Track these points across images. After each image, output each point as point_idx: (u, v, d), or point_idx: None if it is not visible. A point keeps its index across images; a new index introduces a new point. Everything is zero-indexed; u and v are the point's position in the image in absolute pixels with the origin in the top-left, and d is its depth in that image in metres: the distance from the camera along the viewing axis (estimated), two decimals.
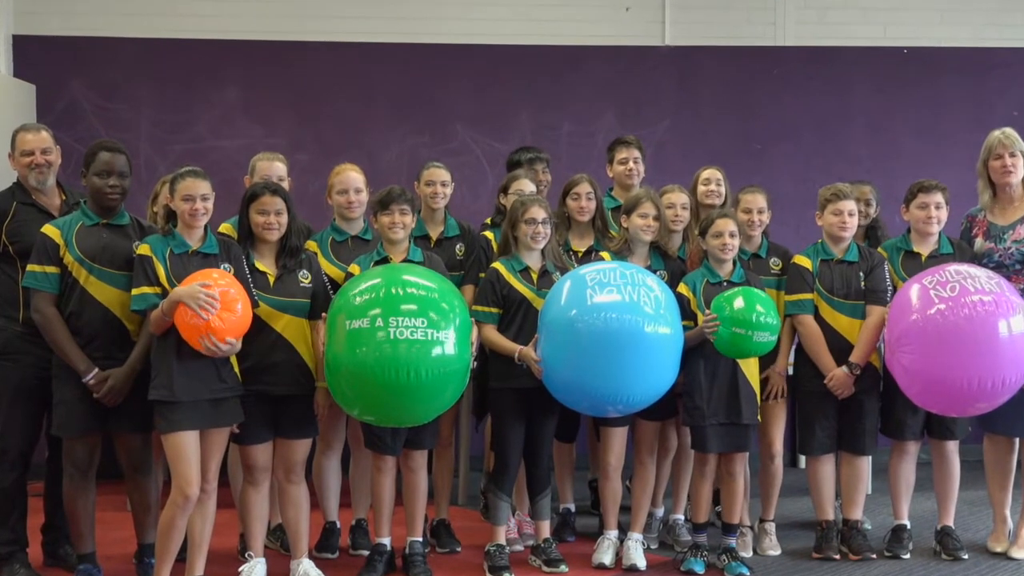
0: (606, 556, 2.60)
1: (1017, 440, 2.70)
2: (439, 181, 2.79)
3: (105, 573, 2.44)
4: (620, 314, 2.30)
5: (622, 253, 2.65)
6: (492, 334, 2.53)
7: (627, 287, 2.35)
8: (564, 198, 2.75)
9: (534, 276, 2.54)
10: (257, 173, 2.76)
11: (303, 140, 3.79)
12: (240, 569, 2.38)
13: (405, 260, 2.49)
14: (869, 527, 2.86)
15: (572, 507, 2.88)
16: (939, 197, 2.67)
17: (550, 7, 3.89)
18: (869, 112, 3.95)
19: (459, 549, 2.73)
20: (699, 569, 2.55)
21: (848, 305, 2.62)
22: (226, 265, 2.30)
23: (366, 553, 2.58)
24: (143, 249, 2.27)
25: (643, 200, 2.64)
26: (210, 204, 2.30)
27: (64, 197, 2.54)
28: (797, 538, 2.83)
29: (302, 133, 3.81)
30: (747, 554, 2.68)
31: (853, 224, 2.67)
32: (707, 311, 2.47)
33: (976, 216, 2.78)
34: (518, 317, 2.51)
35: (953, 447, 2.72)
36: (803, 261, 2.68)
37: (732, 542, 2.60)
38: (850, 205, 2.65)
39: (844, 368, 2.59)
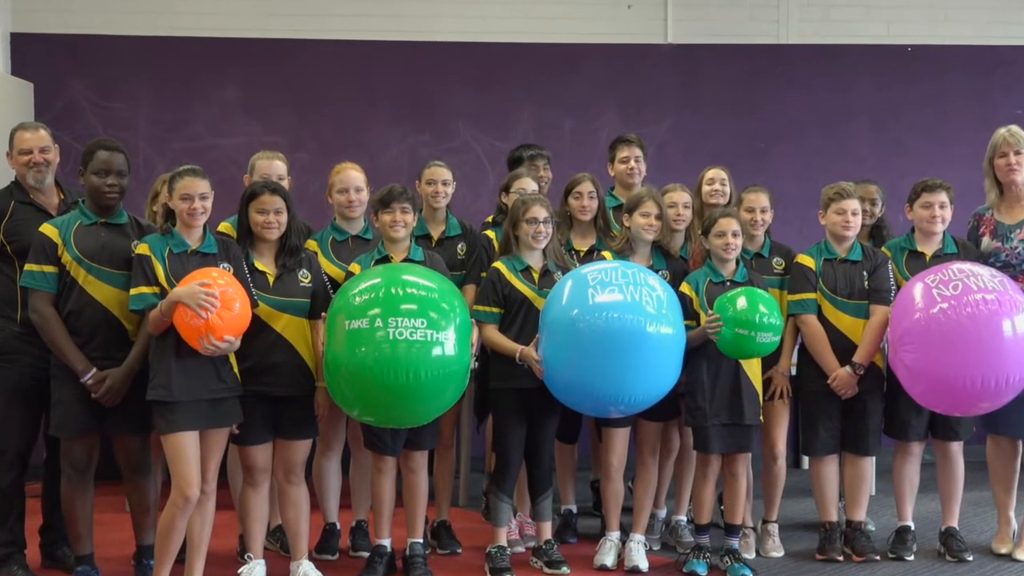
0: (608, 558, 2.59)
1: (1021, 441, 2.69)
2: (440, 180, 2.78)
3: (104, 575, 2.43)
4: (622, 314, 2.29)
5: (624, 252, 2.64)
6: (493, 334, 2.52)
7: (629, 286, 2.34)
8: (566, 197, 2.74)
9: (535, 276, 2.53)
10: (256, 172, 2.74)
11: (303, 139, 3.78)
12: (239, 571, 2.37)
13: (406, 259, 2.48)
14: (873, 528, 2.85)
15: (574, 508, 2.87)
16: (943, 196, 2.66)
17: (551, 5, 3.88)
18: (873, 110, 3.94)
19: (460, 551, 2.72)
20: (701, 571, 2.54)
21: (851, 305, 2.61)
22: (225, 264, 2.29)
23: (366, 555, 2.57)
24: (142, 248, 2.26)
25: (645, 199, 2.63)
26: (209, 203, 2.28)
27: (62, 196, 2.53)
28: (800, 539, 2.82)
29: (302, 132, 3.80)
30: (750, 555, 2.67)
31: (856, 223, 2.65)
32: (709, 311, 2.46)
33: (983, 215, 2.76)
34: (519, 317, 2.50)
35: (957, 448, 2.71)
36: (806, 260, 2.67)
37: (735, 543, 2.59)
38: (853, 204, 2.64)
39: (847, 368, 2.58)
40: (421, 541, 2.52)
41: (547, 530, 2.59)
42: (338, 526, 2.69)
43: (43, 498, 2.56)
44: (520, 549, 2.68)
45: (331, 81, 3.83)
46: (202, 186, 2.26)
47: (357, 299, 2.25)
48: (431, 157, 3.04)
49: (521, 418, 2.51)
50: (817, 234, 2.78)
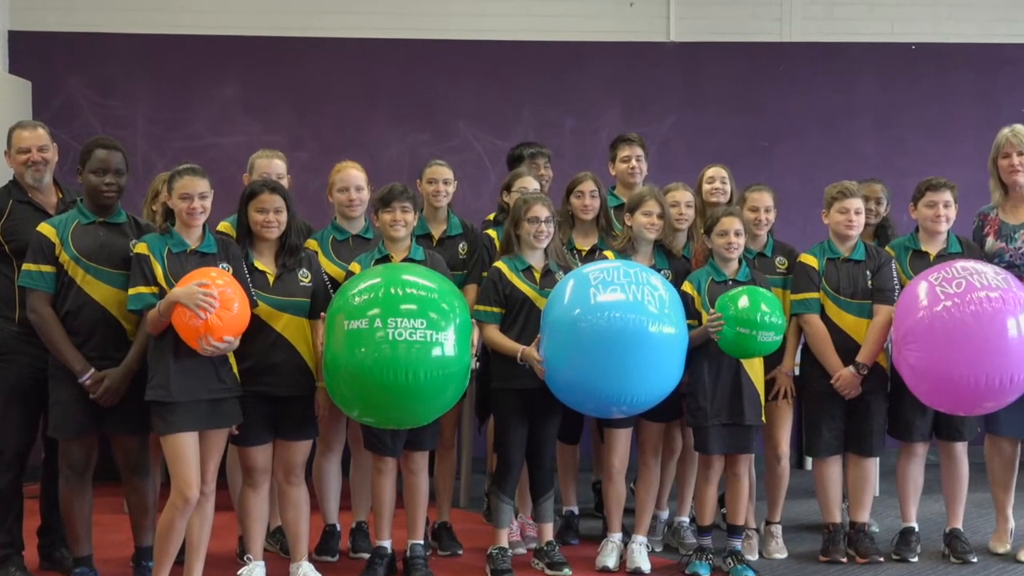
0: (610, 559, 2.57)
1: (1020, 442, 2.68)
2: (442, 179, 2.76)
3: None
4: (624, 313, 2.28)
5: (626, 252, 2.62)
6: (494, 334, 2.50)
7: (631, 286, 2.33)
8: (568, 196, 2.73)
9: (537, 275, 2.52)
10: (256, 171, 2.73)
11: (303, 138, 3.77)
12: (239, 572, 2.36)
13: (406, 259, 2.47)
14: (876, 530, 2.84)
15: (575, 509, 2.86)
16: (948, 195, 2.64)
17: (553, 2, 3.87)
18: (876, 109, 3.93)
19: (461, 552, 2.70)
20: (704, 572, 2.53)
21: (855, 304, 2.60)
22: (224, 264, 2.27)
23: (367, 556, 2.55)
24: (140, 248, 2.25)
25: (647, 198, 2.62)
26: (208, 203, 2.27)
27: (61, 195, 2.52)
28: (804, 541, 2.81)
29: (302, 130, 3.79)
30: (753, 557, 2.65)
31: (859, 223, 2.64)
32: (711, 310, 2.44)
33: (988, 214, 2.75)
34: (521, 317, 2.49)
35: (962, 448, 2.69)
36: (809, 260, 2.65)
37: (737, 545, 2.58)
38: (856, 203, 2.63)
39: (851, 368, 2.57)
40: (422, 542, 2.51)
41: (548, 531, 2.58)
42: (338, 527, 2.68)
43: (41, 499, 2.55)
44: (521, 551, 2.67)
45: (331, 80, 3.82)
46: (201, 185, 2.25)
47: (356, 299, 2.24)
48: (432, 156, 3.02)
49: (522, 419, 2.50)
50: (820, 233, 2.76)
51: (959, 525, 2.69)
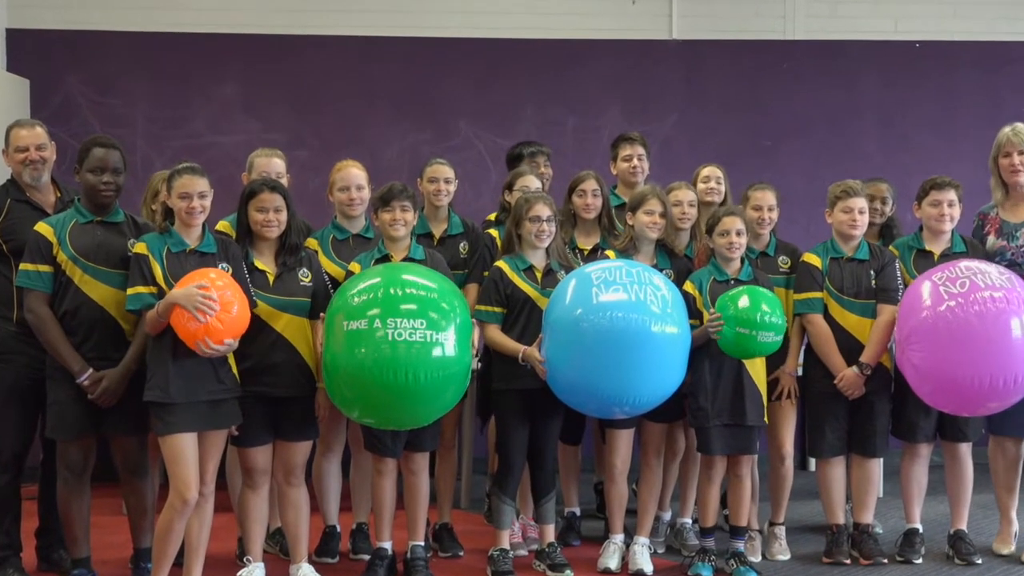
0: (612, 561, 2.56)
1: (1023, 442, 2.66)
2: (442, 178, 2.75)
3: None
4: (626, 313, 2.27)
5: (627, 251, 2.61)
6: (495, 334, 2.49)
7: (633, 285, 2.32)
8: (570, 195, 2.72)
9: (538, 275, 2.50)
10: (255, 170, 2.72)
11: (302, 136, 3.76)
12: (238, 574, 2.35)
13: (407, 258, 2.45)
14: (880, 531, 2.83)
15: (577, 511, 2.85)
16: (952, 194, 2.63)
17: (554, 0, 3.83)
18: (880, 107, 3.91)
19: (462, 553, 2.69)
20: (707, 574, 2.52)
21: (858, 304, 2.59)
22: (224, 264, 2.26)
23: (367, 558, 2.54)
24: (139, 248, 2.23)
25: (649, 197, 2.60)
26: (208, 202, 2.26)
27: (59, 194, 2.51)
28: (807, 542, 2.80)
29: (301, 129, 3.77)
30: (756, 558, 2.64)
31: (863, 222, 2.63)
32: (712, 310, 2.42)
33: (988, 213, 2.75)
34: (522, 317, 2.48)
35: (966, 449, 2.68)
36: (812, 259, 2.64)
37: (740, 546, 2.57)
38: (860, 203, 2.61)
39: (854, 368, 2.56)
40: (422, 544, 2.50)
41: (550, 533, 2.57)
42: (338, 529, 2.67)
43: (39, 500, 2.54)
44: (523, 552, 2.66)
45: (331, 78, 3.80)
46: (201, 184, 2.24)
47: (356, 299, 2.23)
48: (432, 155, 3.00)
49: (524, 419, 2.49)
50: (824, 232, 2.74)
51: (963, 526, 2.68)
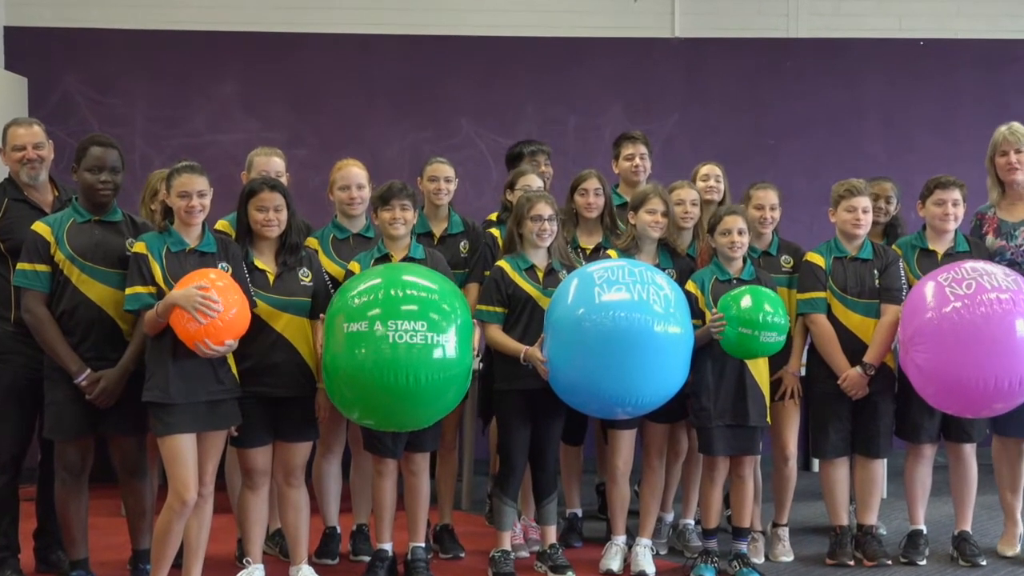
0: (614, 562, 2.55)
1: None
2: (443, 177, 2.74)
3: None
4: (629, 313, 2.26)
5: (629, 251, 2.60)
6: (497, 334, 2.48)
7: (636, 285, 2.30)
8: (572, 194, 2.70)
9: (540, 274, 2.49)
10: (254, 169, 2.70)
11: (302, 135, 3.75)
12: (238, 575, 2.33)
13: (406, 257, 2.44)
14: (884, 532, 2.80)
15: (579, 512, 2.84)
16: (956, 194, 2.62)
17: None
18: (884, 106, 3.90)
19: (463, 555, 2.68)
20: (709, 575, 2.49)
21: (862, 304, 2.58)
22: (224, 264, 2.25)
23: (367, 559, 2.53)
24: (138, 247, 2.22)
25: (651, 196, 2.59)
26: (207, 201, 2.24)
27: (57, 193, 2.49)
28: (810, 543, 2.78)
29: (301, 128, 3.76)
30: (759, 560, 2.63)
31: (867, 221, 2.61)
32: (714, 309, 2.41)
33: (986, 213, 2.74)
34: (524, 317, 2.46)
35: (970, 450, 2.67)
36: (816, 259, 2.63)
37: (743, 547, 2.55)
38: (864, 202, 2.60)
39: (858, 368, 2.54)
40: (423, 545, 2.49)
41: (552, 534, 2.55)
42: (338, 530, 2.65)
43: (37, 501, 2.52)
44: (524, 554, 2.64)
45: (331, 76, 3.79)
46: (200, 183, 2.22)
47: (356, 300, 2.21)
48: (433, 153, 2.99)
49: (525, 420, 2.48)
50: (827, 231, 2.73)
51: (968, 528, 2.66)
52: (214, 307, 2.08)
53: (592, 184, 2.66)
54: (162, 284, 2.18)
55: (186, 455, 2.14)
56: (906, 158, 3.77)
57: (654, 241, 2.60)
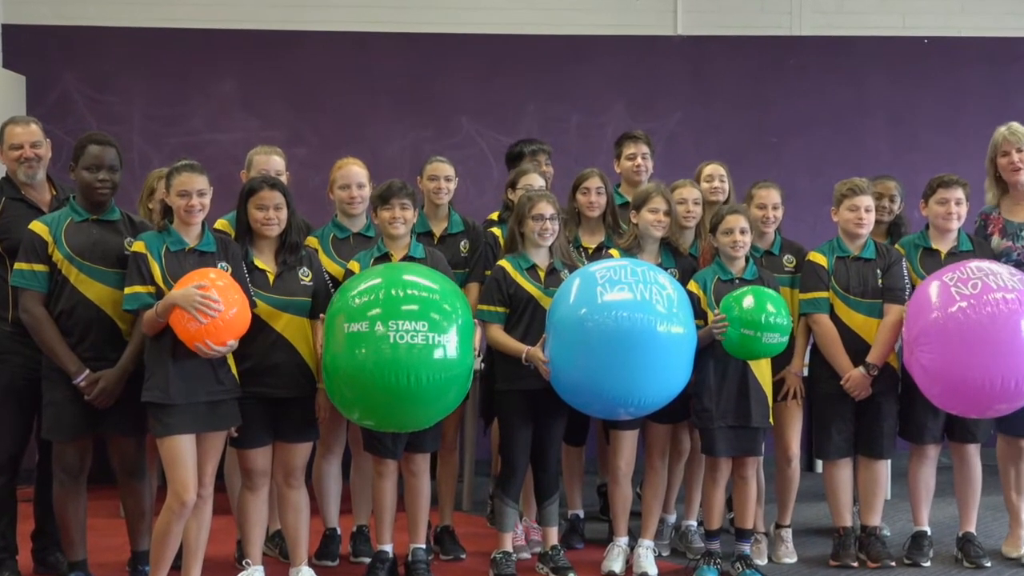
0: (616, 564, 2.54)
1: None
2: (443, 176, 2.73)
3: None
4: (631, 313, 2.25)
5: (632, 250, 2.58)
6: (498, 334, 2.46)
7: (639, 285, 2.29)
8: (574, 193, 2.69)
9: (541, 274, 2.48)
10: (254, 167, 2.69)
11: (302, 134, 3.73)
12: None
13: (406, 256, 2.43)
14: (888, 534, 2.79)
15: (581, 513, 2.83)
16: (959, 193, 2.61)
17: None
18: (888, 104, 3.88)
19: (464, 556, 2.67)
20: None
21: (865, 304, 2.56)
22: (223, 264, 2.23)
23: (367, 560, 2.52)
24: (138, 246, 2.21)
25: (653, 195, 2.58)
26: (207, 200, 2.23)
27: (55, 192, 2.48)
28: (814, 545, 2.77)
29: (301, 126, 3.75)
30: (762, 561, 2.62)
31: (870, 220, 2.60)
32: (717, 310, 2.40)
33: (991, 214, 2.72)
34: (525, 316, 2.45)
35: (975, 451, 2.65)
36: (818, 258, 2.61)
37: (746, 549, 2.54)
38: (866, 201, 2.59)
39: (861, 369, 2.53)
40: (424, 547, 2.48)
41: (553, 535, 2.54)
42: (339, 531, 2.64)
43: (35, 503, 2.51)
44: (526, 555, 2.63)
45: (331, 74, 3.77)
46: (200, 182, 2.21)
47: (356, 300, 2.20)
48: (434, 152, 2.97)
49: (527, 420, 2.46)
50: (830, 231, 2.72)
51: (972, 529, 2.65)
52: (214, 307, 2.07)
53: (594, 183, 2.65)
54: (161, 284, 2.16)
55: (185, 456, 2.13)
56: (910, 156, 3.74)
57: (656, 240, 2.59)
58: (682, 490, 2.75)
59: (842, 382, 2.55)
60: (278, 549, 2.59)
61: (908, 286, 2.55)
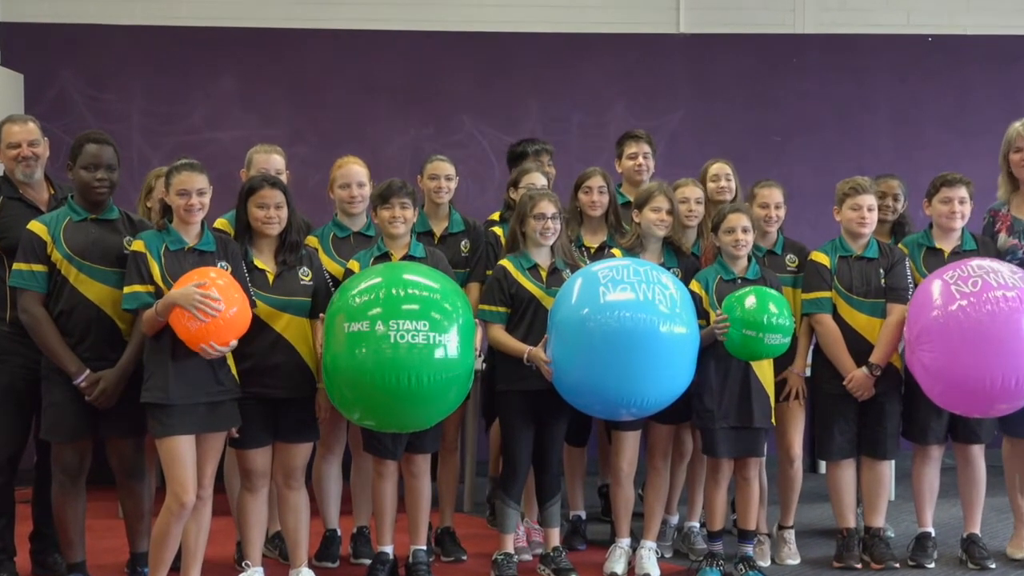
0: (618, 565, 2.53)
1: None
2: (443, 175, 2.72)
3: None
4: (634, 313, 2.24)
5: (634, 250, 2.57)
6: (500, 334, 2.45)
7: (641, 284, 2.28)
8: (576, 192, 2.68)
9: (543, 274, 2.46)
10: (254, 166, 2.67)
11: (302, 132, 3.72)
12: None
13: (406, 256, 2.42)
14: (892, 535, 2.79)
15: (583, 514, 2.81)
16: (963, 191, 2.59)
17: None
18: (892, 102, 3.86)
19: (465, 558, 2.66)
20: None
21: (868, 304, 2.55)
22: (223, 263, 2.22)
23: (368, 562, 2.51)
24: (137, 245, 2.19)
25: (656, 194, 2.56)
26: (207, 199, 2.22)
27: (53, 191, 2.47)
28: (817, 546, 2.76)
29: (301, 125, 3.73)
30: (765, 563, 2.61)
31: (872, 219, 2.59)
32: (719, 310, 2.39)
33: (999, 211, 2.71)
34: (527, 316, 2.44)
35: (979, 451, 2.64)
36: (821, 258, 2.60)
37: (749, 550, 2.53)
38: (869, 200, 2.57)
39: (864, 369, 2.52)
40: (424, 548, 2.47)
41: (555, 537, 2.53)
42: (339, 532, 2.63)
43: (33, 504, 2.50)
44: (527, 556, 2.62)
45: (331, 72, 3.76)
46: (200, 181, 2.20)
47: (357, 300, 2.19)
48: (434, 151, 2.96)
49: (529, 421, 2.45)
50: (834, 230, 2.70)
51: (977, 530, 2.64)
52: (215, 306, 2.06)
53: (596, 182, 2.63)
54: (160, 283, 2.15)
55: (185, 457, 2.12)
56: (915, 155, 3.72)
57: (659, 240, 2.58)
58: (685, 491, 2.74)
59: (845, 382, 2.53)
60: (278, 550, 2.58)
61: (911, 286, 2.54)
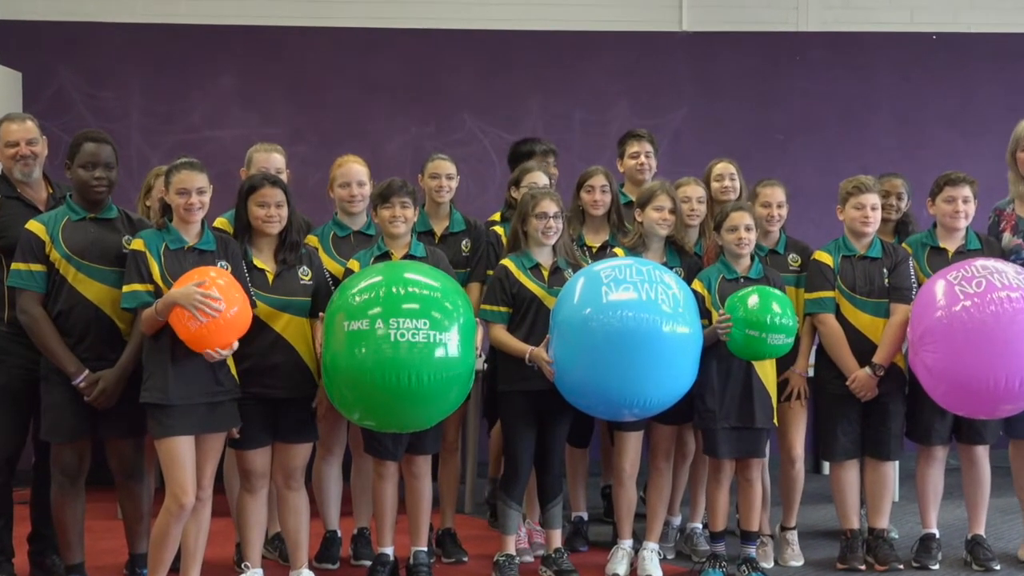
0: (620, 566, 2.52)
1: None
2: (444, 174, 2.70)
3: None
4: (636, 312, 2.22)
5: (636, 249, 2.56)
6: (501, 334, 2.44)
7: (644, 284, 2.27)
8: (578, 191, 2.66)
9: (545, 273, 2.45)
10: (254, 165, 2.66)
11: (302, 131, 3.70)
12: None
13: (407, 255, 2.41)
14: (896, 536, 2.77)
15: (585, 515, 2.80)
16: (967, 190, 2.58)
17: None
18: (896, 101, 3.84)
19: (466, 559, 2.64)
20: None
21: (871, 303, 2.54)
22: (223, 262, 2.21)
23: (368, 563, 2.50)
24: (136, 244, 2.18)
25: (658, 193, 2.55)
26: (207, 198, 2.21)
27: (51, 190, 2.45)
28: (821, 547, 2.75)
29: (301, 123, 3.72)
30: (768, 564, 2.60)
31: (876, 219, 2.57)
32: (721, 309, 2.38)
33: (1004, 210, 2.70)
34: (529, 316, 2.43)
35: (983, 452, 2.63)
36: (824, 257, 2.59)
37: (752, 551, 2.52)
38: (872, 199, 2.56)
39: (867, 369, 2.51)
40: (425, 549, 2.46)
41: (557, 538, 2.52)
42: (339, 534, 2.62)
43: (32, 505, 2.48)
44: (529, 558, 2.61)
45: (331, 70, 3.74)
46: (200, 180, 2.19)
47: (357, 298, 2.18)
48: (435, 149, 2.95)
49: (530, 422, 2.44)
50: (837, 229, 2.69)
51: (982, 531, 2.62)
52: (215, 305, 2.04)
53: (599, 181, 2.62)
54: (160, 282, 2.14)
55: (184, 457, 2.11)
56: (919, 154, 3.71)
57: (661, 239, 2.57)
58: (687, 492, 2.73)
59: (848, 383, 2.52)
60: (278, 552, 2.57)
61: (915, 285, 2.53)
